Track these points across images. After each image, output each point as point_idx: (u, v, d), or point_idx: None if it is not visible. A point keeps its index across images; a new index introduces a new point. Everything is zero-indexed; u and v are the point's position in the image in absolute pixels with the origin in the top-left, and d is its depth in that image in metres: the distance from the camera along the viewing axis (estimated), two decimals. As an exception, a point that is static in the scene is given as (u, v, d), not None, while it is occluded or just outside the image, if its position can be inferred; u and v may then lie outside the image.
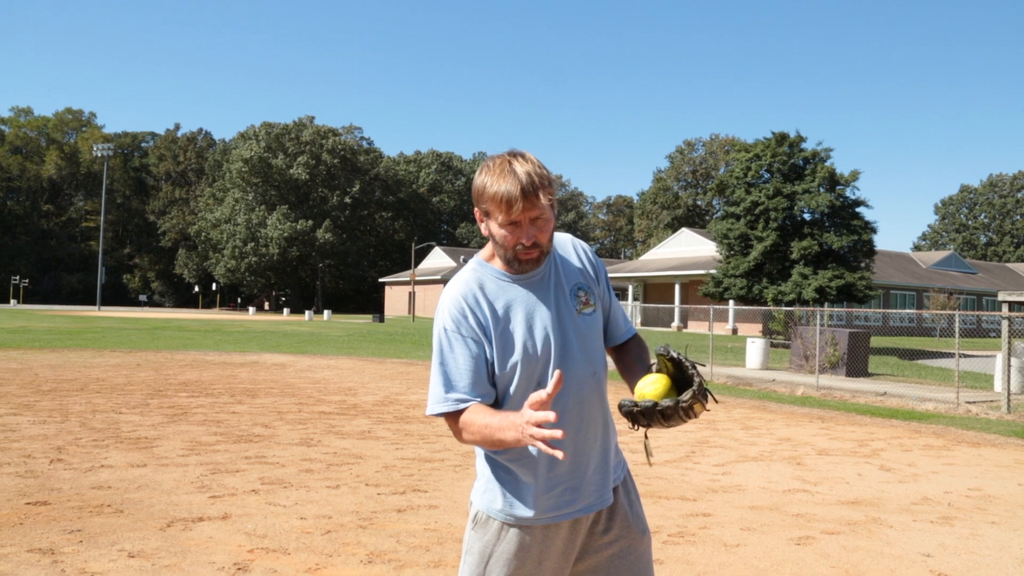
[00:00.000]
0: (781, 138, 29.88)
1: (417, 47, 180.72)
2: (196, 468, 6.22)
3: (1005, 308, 12.20)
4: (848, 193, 28.72)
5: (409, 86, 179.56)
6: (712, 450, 7.84)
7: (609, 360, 2.03)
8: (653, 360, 1.89)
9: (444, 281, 58.25)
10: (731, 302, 33.26)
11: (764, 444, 8.35)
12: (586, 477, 1.89)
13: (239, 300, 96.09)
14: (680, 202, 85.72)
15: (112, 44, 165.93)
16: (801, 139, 29.73)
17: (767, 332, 30.46)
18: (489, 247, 1.93)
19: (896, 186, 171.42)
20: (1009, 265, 70.14)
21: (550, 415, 1.55)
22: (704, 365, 2.01)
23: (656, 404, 1.69)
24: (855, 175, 28.74)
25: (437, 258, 69.61)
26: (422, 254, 74.33)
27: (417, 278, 62.29)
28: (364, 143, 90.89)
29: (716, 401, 1.83)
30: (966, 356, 15.77)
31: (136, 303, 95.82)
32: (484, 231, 1.87)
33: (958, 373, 12.62)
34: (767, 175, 30.08)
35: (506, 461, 1.87)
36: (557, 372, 1.61)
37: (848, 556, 4.47)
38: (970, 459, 7.84)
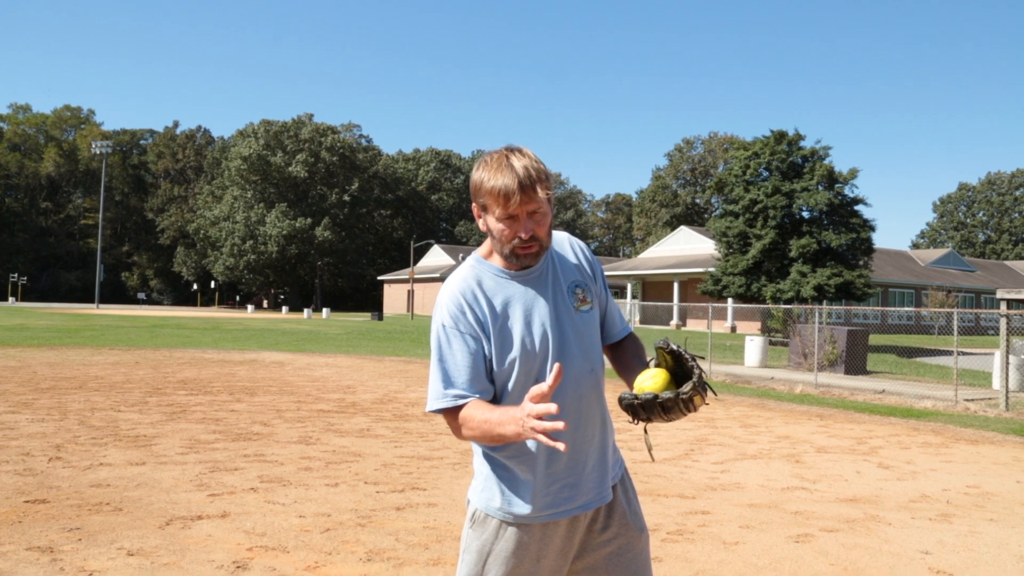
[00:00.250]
0: (780, 136, 29.87)
1: (416, 45, 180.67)
2: (195, 466, 6.22)
3: (1003, 306, 12.21)
4: (847, 191, 28.71)
5: (408, 84, 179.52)
6: (711, 448, 7.85)
7: (605, 359, 2.03)
8: (651, 356, 1.89)
9: (443, 279, 58.29)
10: (730, 300, 33.28)
11: (763, 442, 8.35)
12: (584, 474, 1.89)
13: (238, 298, 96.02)
14: (679, 200, 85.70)
15: (111, 41, 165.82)
16: (800, 137, 29.72)
17: (766, 330, 30.50)
18: (487, 244, 1.93)
19: (894, 184, 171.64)
20: (1007, 263, 70.18)
21: (551, 407, 1.55)
22: (703, 358, 2.01)
23: (657, 397, 1.70)
24: (853, 173, 28.73)
25: (436, 256, 69.60)
26: (421, 252, 74.32)
27: (416, 276, 62.28)
28: (363, 141, 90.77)
29: (715, 394, 1.83)
30: (964, 354, 15.77)
31: (135, 301, 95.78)
32: (482, 226, 1.87)
33: (956, 371, 12.64)
34: (766, 173, 30.07)
35: (504, 458, 1.87)
36: (557, 365, 1.62)
37: (847, 553, 4.47)
38: (968, 456, 7.85)
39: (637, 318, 44.33)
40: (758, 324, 38.28)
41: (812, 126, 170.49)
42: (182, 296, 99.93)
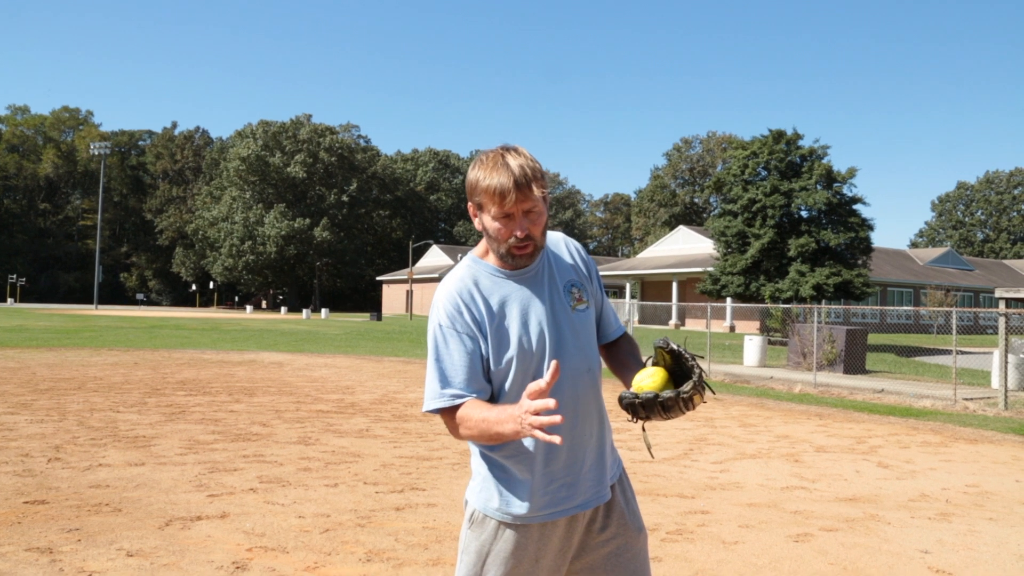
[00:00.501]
0: (778, 135, 29.88)
1: (415, 45, 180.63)
2: (194, 467, 6.22)
3: (1002, 305, 12.22)
4: (845, 190, 28.73)
5: (407, 84, 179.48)
6: (710, 447, 7.85)
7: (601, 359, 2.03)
8: (649, 355, 1.90)
9: (441, 279, 58.19)
10: (728, 300, 33.28)
11: (762, 441, 8.36)
12: (582, 473, 1.89)
13: (236, 298, 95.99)
14: (677, 200, 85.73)
15: (109, 42, 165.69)
16: (798, 136, 29.73)
17: (765, 329, 30.51)
18: (483, 244, 1.94)
19: (893, 183, 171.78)
20: (1006, 262, 70.24)
21: (549, 402, 1.55)
22: (702, 357, 2.01)
23: (657, 395, 1.70)
24: (852, 172, 28.75)
25: (434, 256, 69.59)
26: (419, 252, 74.29)
27: (415, 276, 62.27)
28: (361, 141, 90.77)
29: (714, 393, 1.84)
30: (963, 353, 15.79)
31: (133, 302, 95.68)
32: (478, 225, 1.88)
33: (955, 370, 12.65)
34: (764, 172, 30.08)
35: (502, 458, 1.87)
36: (554, 362, 1.62)
37: (846, 553, 4.48)
38: (967, 455, 7.85)
39: (636, 318, 44.34)
40: (757, 323, 38.28)
41: (810, 125, 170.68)
42: (181, 297, 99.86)
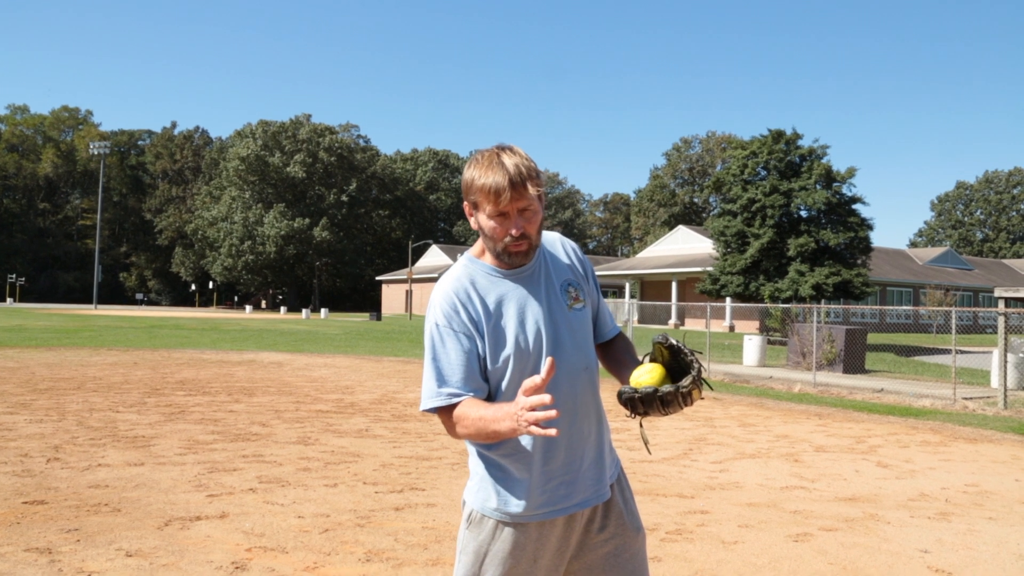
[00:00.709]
0: (778, 135, 29.88)
1: (414, 45, 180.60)
2: (194, 467, 6.22)
3: (1001, 304, 12.21)
4: (844, 190, 28.73)
5: (406, 84, 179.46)
6: (709, 447, 7.85)
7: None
8: (646, 352, 1.90)
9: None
10: (728, 299, 33.27)
11: (761, 441, 8.36)
12: (581, 471, 1.89)
13: (236, 298, 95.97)
14: (677, 200, 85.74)
15: (109, 42, 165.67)
16: (797, 136, 29.74)
17: (764, 329, 30.51)
18: (479, 244, 1.94)
19: (892, 183, 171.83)
20: (1005, 261, 70.27)
21: (545, 398, 1.55)
22: (700, 353, 2.02)
23: (656, 390, 1.71)
24: (851, 172, 28.75)
25: (434, 256, 69.59)
26: (419, 252, 74.28)
27: (414, 276, 62.27)
28: (361, 141, 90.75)
29: (712, 389, 1.84)
30: (963, 352, 15.80)
31: (133, 301, 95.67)
32: (474, 224, 1.88)
33: (955, 369, 12.65)
34: (764, 172, 30.08)
35: (499, 457, 1.87)
36: (549, 359, 1.62)
37: (846, 552, 4.48)
38: (967, 455, 7.85)
39: (635, 317, 44.33)
40: (756, 323, 38.28)
41: (810, 125, 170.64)
42: (180, 296, 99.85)
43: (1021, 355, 14.43)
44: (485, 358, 1.85)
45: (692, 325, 43.62)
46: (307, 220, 78.09)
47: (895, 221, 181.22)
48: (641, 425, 1.91)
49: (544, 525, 1.87)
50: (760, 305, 23.83)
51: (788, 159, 29.53)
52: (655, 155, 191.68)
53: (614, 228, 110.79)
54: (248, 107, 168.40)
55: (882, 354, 23.40)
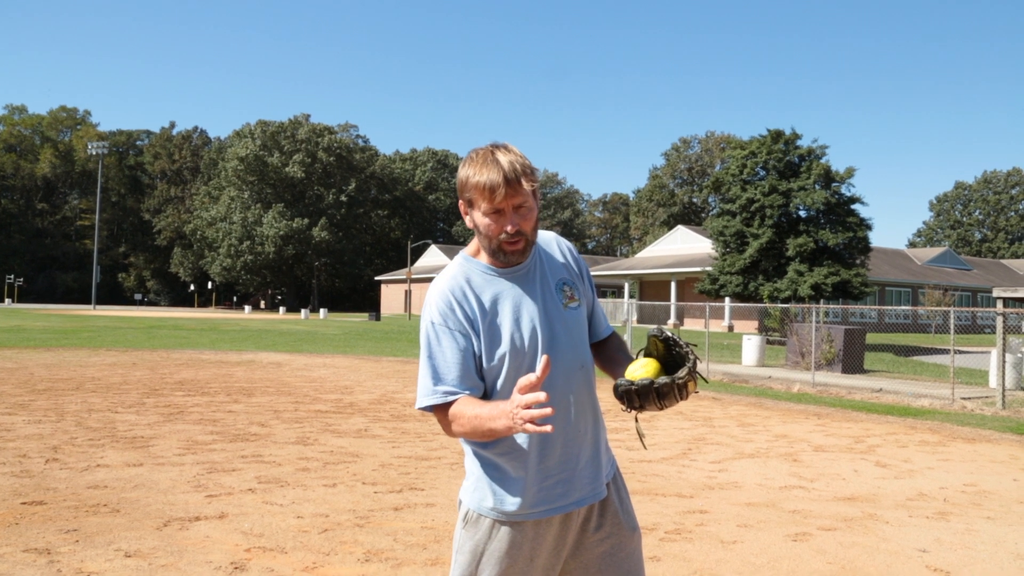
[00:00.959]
0: (776, 135, 29.88)
1: (413, 45, 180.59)
2: (192, 467, 6.21)
3: (1000, 304, 12.23)
4: (843, 190, 28.72)
5: (405, 84, 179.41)
6: (708, 447, 7.85)
7: None
8: (641, 347, 1.91)
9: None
10: (727, 299, 33.27)
11: (760, 441, 8.36)
12: (578, 469, 1.90)
13: (235, 299, 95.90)
14: (676, 199, 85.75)
15: (107, 42, 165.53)
16: (796, 136, 29.73)
17: (763, 329, 30.52)
18: (475, 243, 1.95)
19: (891, 183, 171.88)
20: (1004, 261, 70.32)
21: (540, 395, 1.56)
22: (696, 346, 2.03)
23: (652, 382, 1.71)
24: (850, 172, 28.75)
25: (433, 256, 69.57)
26: (418, 252, 74.27)
27: (413, 276, 62.26)
28: (360, 141, 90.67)
29: (707, 381, 1.85)
30: (961, 352, 15.81)
31: (131, 302, 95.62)
32: (469, 223, 1.88)
33: (953, 369, 12.66)
34: (763, 172, 30.08)
35: (495, 456, 1.87)
36: (544, 357, 1.63)
37: (844, 552, 4.48)
38: (965, 455, 7.86)
39: (634, 317, 44.36)
40: (755, 323, 38.29)
41: (809, 125, 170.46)
42: (179, 297, 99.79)
43: (1019, 355, 14.45)
44: (481, 356, 1.85)
45: (691, 325, 43.65)
46: (306, 220, 78.06)
47: (894, 221, 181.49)
48: (636, 420, 1.92)
49: (541, 524, 1.87)
50: (759, 305, 23.84)
51: (787, 159, 29.53)
52: (654, 155, 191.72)
53: (613, 228, 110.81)
54: (247, 107, 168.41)
55: (881, 354, 23.41)
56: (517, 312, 1.87)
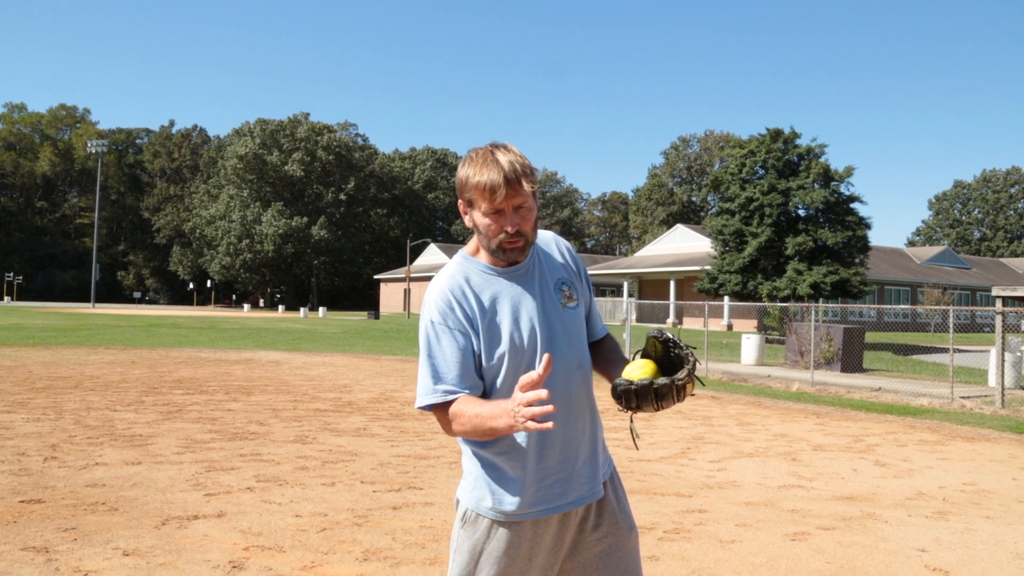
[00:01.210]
0: (776, 134, 29.87)
1: (412, 43, 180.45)
2: (191, 466, 6.21)
3: (999, 303, 12.23)
4: (842, 189, 28.71)
5: (404, 83, 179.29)
6: (707, 446, 7.85)
7: None
8: (637, 349, 1.91)
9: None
10: (726, 298, 33.28)
11: (759, 440, 8.36)
12: (576, 469, 1.90)
13: (234, 297, 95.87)
14: (675, 198, 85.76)
15: (106, 40, 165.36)
16: (795, 135, 29.72)
17: (762, 328, 30.50)
18: (473, 242, 1.95)
19: (890, 182, 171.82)
20: (1003, 260, 70.34)
21: (542, 393, 1.56)
22: (695, 348, 2.03)
23: (652, 383, 1.72)
24: (849, 171, 28.74)
25: (432, 255, 69.56)
26: (417, 251, 74.26)
27: (412, 275, 62.24)
28: (359, 140, 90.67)
29: (703, 385, 1.86)
30: (960, 351, 15.79)
31: (131, 300, 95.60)
32: (468, 222, 1.88)
33: (952, 368, 12.66)
34: (762, 171, 30.07)
35: (494, 455, 1.87)
36: (546, 355, 1.63)
37: (843, 551, 4.48)
38: (964, 454, 7.86)
39: (633, 316, 44.35)
40: (754, 322, 38.29)
41: (808, 124, 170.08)
42: (178, 295, 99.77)
43: (1018, 354, 14.45)
44: (480, 355, 1.85)
45: (690, 324, 43.66)
46: (305, 219, 78.02)
47: (893, 220, 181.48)
48: (632, 420, 1.92)
49: (539, 523, 1.87)
50: (758, 304, 23.84)
51: (786, 158, 29.52)
52: (653, 154, 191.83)
53: (612, 227, 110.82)
54: (246, 105, 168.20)
55: (880, 353, 23.42)
56: (516, 311, 1.87)
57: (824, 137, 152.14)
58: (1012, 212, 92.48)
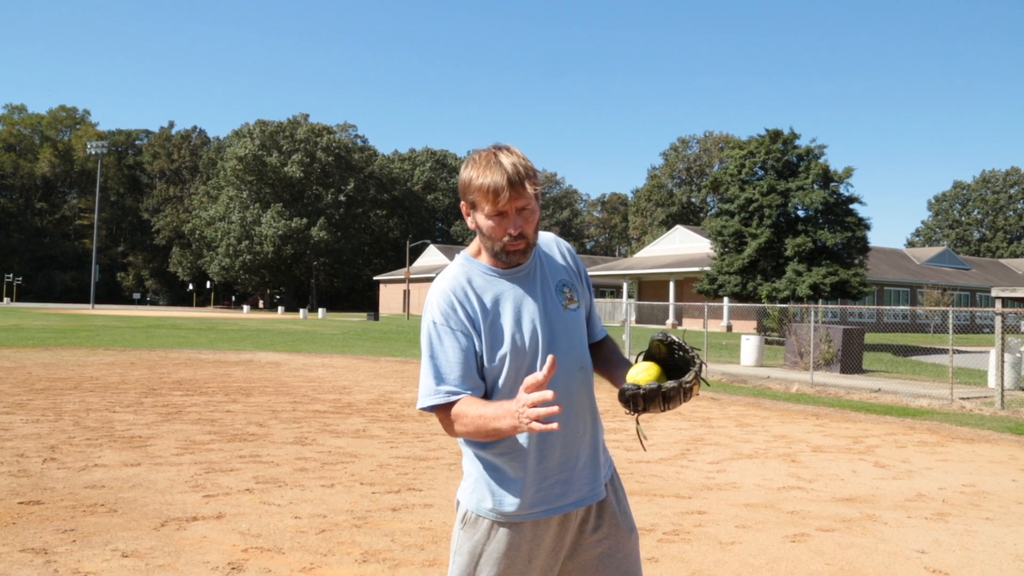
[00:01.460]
0: (775, 135, 29.88)
1: (412, 44, 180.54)
2: (190, 467, 6.20)
3: (998, 304, 12.23)
4: (842, 190, 28.71)
5: (404, 84, 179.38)
6: (707, 448, 7.85)
7: None
8: (640, 351, 1.91)
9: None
10: (725, 299, 33.28)
11: (759, 441, 8.36)
12: (576, 470, 1.90)
13: (233, 298, 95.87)
14: (674, 199, 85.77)
15: (106, 41, 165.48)
16: (795, 136, 29.73)
17: (761, 329, 30.51)
18: (475, 243, 1.95)
19: (890, 183, 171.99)
20: (1002, 261, 70.36)
21: (547, 394, 1.55)
22: (699, 350, 2.03)
23: (660, 386, 1.72)
24: (848, 172, 28.75)
25: (432, 256, 69.56)
26: (417, 252, 74.26)
27: (412, 276, 62.23)
28: (358, 141, 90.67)
29: (708, 385, 1.86)
30: (960, 352, 15.81)
31: (130, 301, 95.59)
32: (471, 224, 1.88)
33: (952, 369, 12.66)
34: (761, 172, 30.08)
35: (494, 456, 1.87)
36: (550, 357, 1.62)
37: (843, 553, 4.48)
38: (964, 455, 7.86)
39: (633, 317, 44.36)
40: (754, 323, 38.30)
41: (807, 125, 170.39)
42: (178, 296, 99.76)
43: (1018, 355, 14.45)
44: (482, 356, 1.85)
45: (690, 325, 43.64)
46: (304, 220, 78.03)
47: (892, 221, 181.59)
48: (638, 422, 1.92)
49: (539, 525, 1.87)
50: (758, 305, 23.83)
51: (785, 159, 29.53)
52: (653, 155, 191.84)
53: (612, 228, 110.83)
54: (246, 107, 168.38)
55: (879, 354, 23.42)
56: (518, 313, 1.87)
57: (823, 138, 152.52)
58: (1011, 213, 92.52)
